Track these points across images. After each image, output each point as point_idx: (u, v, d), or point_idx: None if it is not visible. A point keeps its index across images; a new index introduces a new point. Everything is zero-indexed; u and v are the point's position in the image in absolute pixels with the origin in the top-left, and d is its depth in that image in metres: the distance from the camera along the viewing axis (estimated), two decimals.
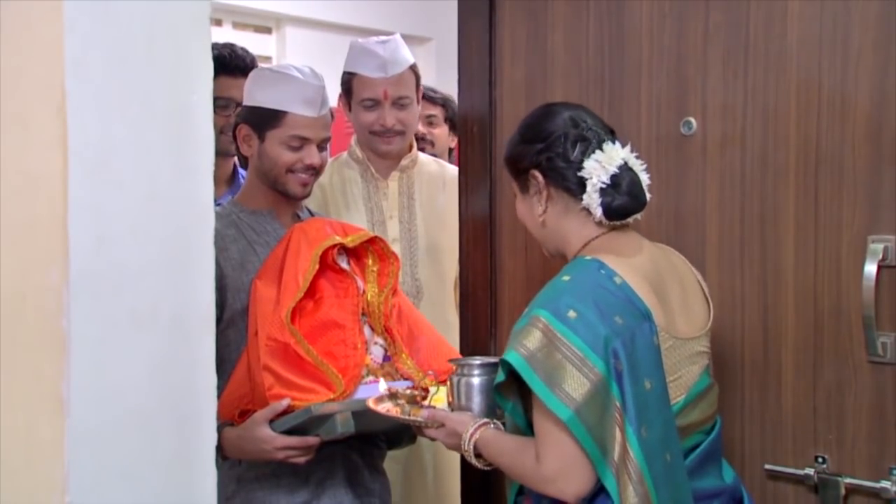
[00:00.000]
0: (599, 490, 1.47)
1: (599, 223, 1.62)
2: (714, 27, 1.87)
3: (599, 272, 1.54)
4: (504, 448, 1.58)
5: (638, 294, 1.53)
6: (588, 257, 1.58)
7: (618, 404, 1.45)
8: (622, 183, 1.59)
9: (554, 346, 1.46)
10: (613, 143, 1.63)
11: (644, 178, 1.64)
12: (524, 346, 1.48)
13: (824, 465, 1.76)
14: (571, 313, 1.48)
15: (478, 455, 1.61)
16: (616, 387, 1.45)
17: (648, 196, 1.64)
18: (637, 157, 1.65)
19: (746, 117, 1.83)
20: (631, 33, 1.98)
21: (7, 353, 0.93)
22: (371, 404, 1.77)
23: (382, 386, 1.86)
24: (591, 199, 1.59)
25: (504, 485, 2.09)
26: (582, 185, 1.61)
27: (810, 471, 1.76)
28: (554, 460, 1.47)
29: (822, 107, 1.75)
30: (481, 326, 2.19)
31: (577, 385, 1.44)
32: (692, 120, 1.90)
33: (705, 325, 1.66)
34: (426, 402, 1.79)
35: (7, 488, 0.93)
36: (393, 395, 1.80)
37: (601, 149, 1.61)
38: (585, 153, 1.61)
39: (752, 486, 1.80)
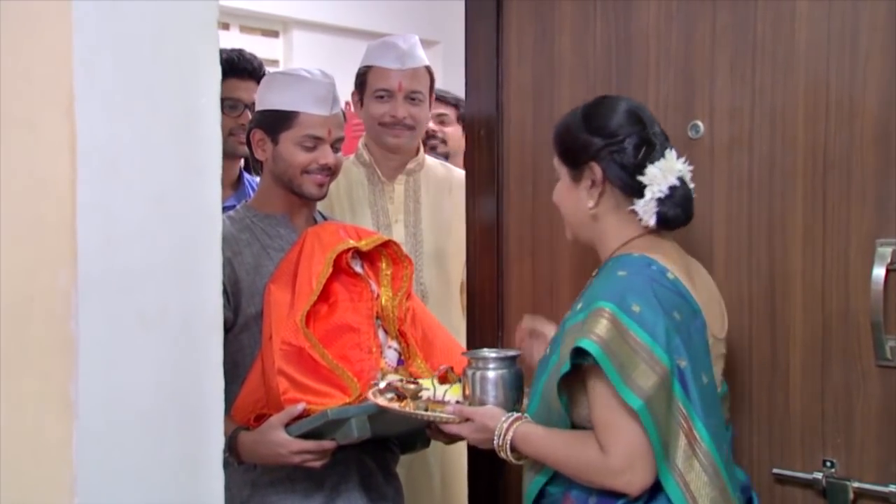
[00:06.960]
0: (657, 487, 1.46)
1: (645, 227, 1.61)
2: (721, 29, 1.86)
3: (651, 268, 1.53)
4: (555, 442, 1.55)
5: (689, 290, 1.53)
6: (636, 254, 1.57)
7: (680, 405, 1.44)
8: (677, 195, 1.58)
9: (622, 338, 1.45)
10: (671, 150, 1.62)
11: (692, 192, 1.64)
12: (596, 333, 1.46)
13: (832, 470, 1.75)
14: (635, 307, 1.47)
15: (511, 449, 1.59)
16: (678, 384, 1.45)
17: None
18: (688, 167, 1.63)
19: (754, 120, 1.83)
20: (638, 35, 1.97)
21: (16, 355, 0.93)
22: (372, 397, 1.74)
23: (382, 381, 1.83)
24: (648, 206, 1.58)
25: (510, 489, 2.09)
26: (638, 188, 1.59)
27: (818, 475, 1.75)
28: (623, 451, 1.45)
29: (830, 109, 1.74)
30: (488, 330, 2.19)
31: (645, 377, 1.43)
32: (699, 123, 1.89)
33: (723, 329, 1.67)
34: (424, 395, 1.77)
35: (16, 490, 0.94)
36: (391, 388, 1.78)
37: (664, 156, 1.59)
38: (649, 157, 1.59)
39: (760, 489, 1.79)
